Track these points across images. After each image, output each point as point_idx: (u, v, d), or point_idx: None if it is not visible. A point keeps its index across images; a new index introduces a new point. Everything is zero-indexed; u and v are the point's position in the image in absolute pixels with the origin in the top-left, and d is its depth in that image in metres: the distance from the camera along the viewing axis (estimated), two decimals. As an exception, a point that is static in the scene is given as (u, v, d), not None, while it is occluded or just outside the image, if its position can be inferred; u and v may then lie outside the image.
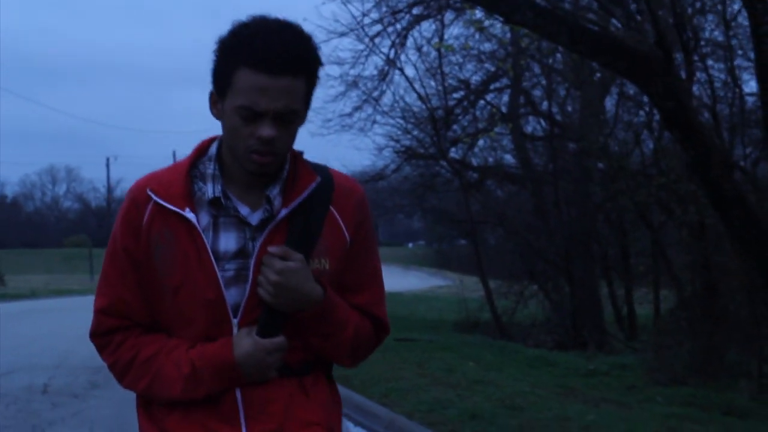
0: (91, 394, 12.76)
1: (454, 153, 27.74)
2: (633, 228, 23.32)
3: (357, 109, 25.90)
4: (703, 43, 18.10)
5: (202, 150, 3.08)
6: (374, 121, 26.49)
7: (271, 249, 2.91)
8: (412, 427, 10.84)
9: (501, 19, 13.85)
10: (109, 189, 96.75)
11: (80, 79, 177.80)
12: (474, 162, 29.34)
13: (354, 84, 25.21)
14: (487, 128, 25.63)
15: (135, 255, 2.98)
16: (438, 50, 22.06)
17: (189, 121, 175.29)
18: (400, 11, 22.37)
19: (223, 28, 2.94)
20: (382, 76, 24.47)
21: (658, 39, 11.84)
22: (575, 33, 11.83)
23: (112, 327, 3.04)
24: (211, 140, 3.11)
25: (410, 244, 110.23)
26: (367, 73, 26.22)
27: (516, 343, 21.19)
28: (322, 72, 3.01)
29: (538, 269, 24.66)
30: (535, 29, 12.63)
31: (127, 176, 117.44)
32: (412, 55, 24.17)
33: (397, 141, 28.09)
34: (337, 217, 3.04)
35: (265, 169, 2.92)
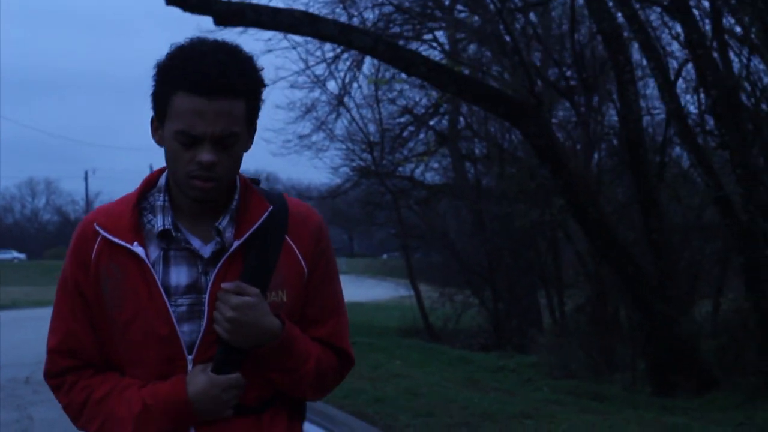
0: (64, 384, 15.26)
1: (403, 171, 30.20)
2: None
3: (314, 131, 28.32)
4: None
5: (151, 182, 2.98)
6: (327, 148, 28.97)
7: (225, 285, 2.81)
8: (326, 408, 13.28)
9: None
10: (88, 202, 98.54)
11: (49, 92, 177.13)
12: (428, 178, 31.80)
13: (312, 108, 27.58)
14: (430, 150, 28.22)
15: (84, 290, 2.90)
16: (375, 84, 24.57)
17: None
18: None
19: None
20: (333, 107, 26.86)
21: (531, 88, 14.37)
22: (461, 84, 14.40)
23: (64, 367, 2.95)
24: (161, 171, 2.99)
25: (384, 255, 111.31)
26: (324, 97, 28.53)
27: (445, 346, 23.69)
28: (266, 93, 2.96)
29: (474, 280, 27.09)
30: (428, 80, 15.21)
31: (106, 189, 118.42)
32: (362, 83, 26.34)
33: (352, 160, 30.58)
34: (293, 246, 2.95)
35: (207, 195, 2.81)
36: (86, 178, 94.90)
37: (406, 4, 23.01)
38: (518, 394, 15.10)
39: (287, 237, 2.95)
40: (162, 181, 2.96)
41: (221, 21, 13.62)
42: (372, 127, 27.72)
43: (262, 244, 2.89)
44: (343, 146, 29.27)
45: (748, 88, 16.46)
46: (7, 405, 13.09)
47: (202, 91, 2.71)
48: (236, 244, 2.86)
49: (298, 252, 2.95)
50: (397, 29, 23.49)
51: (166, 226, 2.87)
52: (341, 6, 21.80)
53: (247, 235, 2.87)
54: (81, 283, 2.90)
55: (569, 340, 19.18)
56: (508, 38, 15.63)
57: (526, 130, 14.39)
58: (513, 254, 25.52)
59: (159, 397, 2.83)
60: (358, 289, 45.53)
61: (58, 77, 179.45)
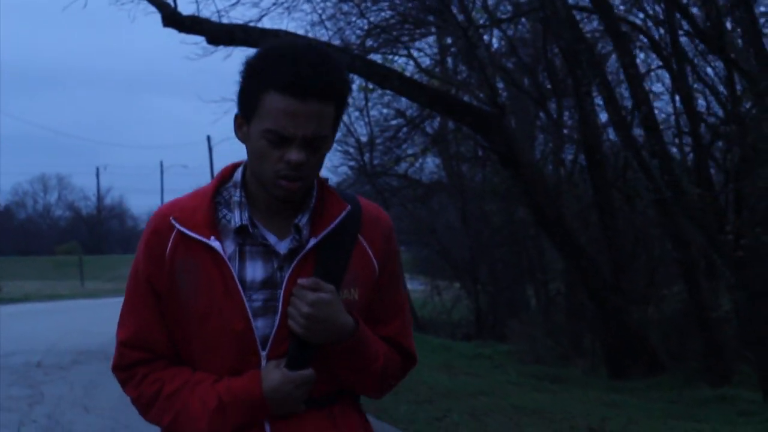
0: (73, 367, 16.88)
1: (399, 169, 31.70)
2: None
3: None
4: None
5: (225, 176, 3.00)
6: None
7: (302, 281, 2.83)
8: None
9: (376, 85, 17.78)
10: (99, 198, 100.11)
11: (55, 87, 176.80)
12: (424, 177, 33.30)
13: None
14: (420, 150, 29.76)
15: (158, 285, 2.90)
16: (365, 91, 26.07)
17: (171, 129, 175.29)
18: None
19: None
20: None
21: (494, 100, 15.85)
22: (431, 96, 15.90)
23: (135, 360, 2.96)
24: (235, 166, 3.02)
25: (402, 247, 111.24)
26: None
27: (430, 336, 25.20)
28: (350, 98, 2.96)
29: (460, 274, 28.66)
30: (400, 93, 16.73)
31: (117, 185, 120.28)
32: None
33: (350, 161, 32.12)
34: (366, 246, 2.97)
35: (292, 195, 2.84)
36: (98, 174, 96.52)
37: (400, 8, 24.29)
38: (485, 377, 16.53)
39: (360, 236, 2.96)
40: (238, 176, 2.96)
41: (213, 40, 15.17)
42: (367, 130, 29.25)
43: (337, 243, 2.91)
44: (339, 147, 30.82)
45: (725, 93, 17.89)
46: (21, 384, 14.69)
47: (296, 92, 2.72)
48: (313, 241, 2.88)
49: (370, 251, 2.97)
50: (394, 34, 24.82)
51: (243, 222, 2.87)
52: (334, 17, 23.11)
53: (324, 233, 2.89)
54: (154, 277, 2.91)
55: (540, 328, 20.68)
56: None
57: (490, 139, 15.86)
58: (497, 250, 26.98)
59: (234, 393, 2.84)
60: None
61: (62, 72, 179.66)
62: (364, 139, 29.83)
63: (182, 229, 2.87)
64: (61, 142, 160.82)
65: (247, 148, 2.87)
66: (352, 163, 31.64)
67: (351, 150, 30.70)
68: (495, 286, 27.07)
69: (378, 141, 29.43)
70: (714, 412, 12.77)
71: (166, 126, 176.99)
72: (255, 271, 2.87)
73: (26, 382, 14.88)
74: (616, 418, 11.49)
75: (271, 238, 2.89)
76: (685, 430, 10.79)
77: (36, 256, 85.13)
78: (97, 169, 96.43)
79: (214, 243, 2.83)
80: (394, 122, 29.74)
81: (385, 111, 29.53)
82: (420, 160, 31.04)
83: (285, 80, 2.71)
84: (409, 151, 30.53)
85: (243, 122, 2.86)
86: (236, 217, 2.88)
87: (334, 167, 32.71)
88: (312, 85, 2.71)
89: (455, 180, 28.44)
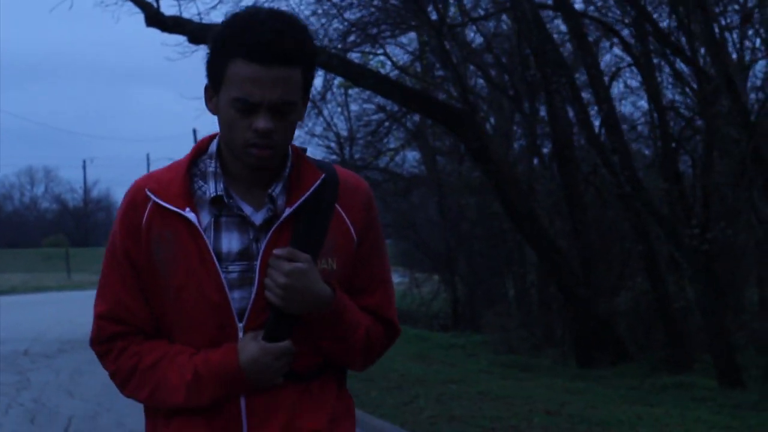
0: (59, 355, 17.53)
1: (381, 163, 32.29)
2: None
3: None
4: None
5: (201, 148, 2.97)
6: (308, 143, 31.11)
7: (277, 251, 2.78)
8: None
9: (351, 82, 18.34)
10: (86, 190, 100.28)
11: (41, 79, 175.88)
12: (406, 170, 33.86)
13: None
14: (399, 145, 30.37)
15: (135, 257, 2.86)
16: (344, 88, 26.67)
17: (158, 122, 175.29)
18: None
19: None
20: (311, 107, 28.89)
21: (465, 97, 16.41)
22: (404, 94, 16.45)
23: (113, 333, 2.91)
24: (211, 137, 2.98)
25: (388, 241, 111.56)
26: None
27: (407, 326, 25.74)
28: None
29: (439, 266, 29.22)
30: (375, 90, 17.28)
31: (104, 177, 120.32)
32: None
33: (331, 155, 32.70)
34: (343, 215, 2.91)
35: (264, 162, 2.80)
36: (84, 167, 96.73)
37: (378, 5, 24.77)
38: (457, 366, 17.09)
39: (337, 205, 2.91)
40: (213, 147, 2.93)
41: (195, 40, 15.70)
42: (347, 125, 29.87)
43: (313, 212, 2.86)
44: (321, 142, 31.46)
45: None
46: (9, 371, 15.30)
47: (260, 58, 2.68)
48: (288, 211, 2.84)
49: (348, 220, 2.91)
50: (374, 30, 25.32)
51: (218, 193, 2.84)
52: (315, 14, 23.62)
53: (299, 202, 2.85)
54: (130, 250, 2.87)
55: (514, 319, 21.27)
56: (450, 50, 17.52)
57: (462, 135, 16.40)
58: (476, 242, 27.50)
59: (211, 365, 2.80)
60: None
61: (50, 64, 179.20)
62: (344, 134, 30.47)
63: (157, 200, 2.84)
64: (47, 135, 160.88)
65: (218, 119, 2.84)
66: (333, 157, 32.22)
67: (332, 144, 31.33)
68: (473, 278, 27.59)
69: (359, 135, 30.03)
70: (670, 397, 13.35)
71: (152, 118, 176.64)
72: (231, 242, 2.84)
73: (14, 369, 15.49)
74: (575, 403, 12.05)
75: (247, 209, 2.85)
76: (638, 413, 11.34)
77: (23, 249, 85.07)
78: (84, 162, 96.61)
79: (189, 214, 2.80)
80: (374, 117, 30.35)
81: (365, 106, 30.15)
82: (400, 155, 31.65)
83: (248, 47, 2.68)
84: (390, 146, 31.19)
85: (212, 93, 2.85)
86: (211, 188, 2.85)
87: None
88: (275, 50, 2.68)
89: (433, 174, 28.96)
